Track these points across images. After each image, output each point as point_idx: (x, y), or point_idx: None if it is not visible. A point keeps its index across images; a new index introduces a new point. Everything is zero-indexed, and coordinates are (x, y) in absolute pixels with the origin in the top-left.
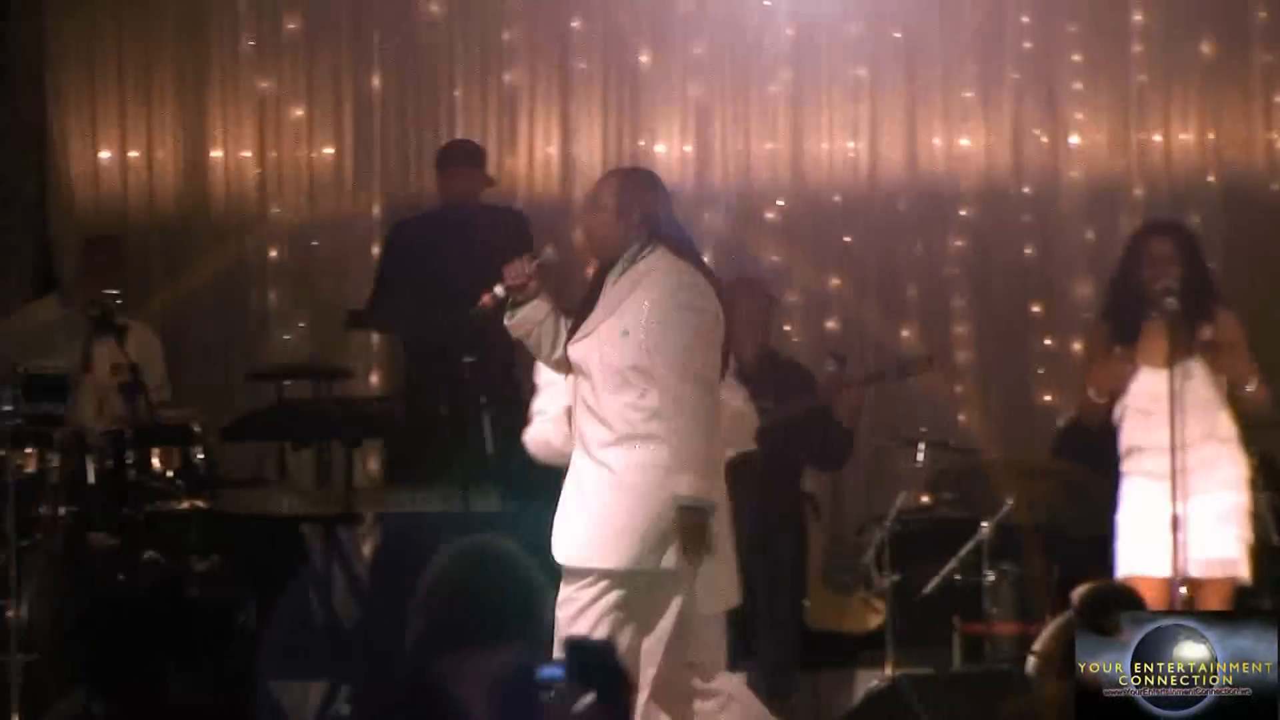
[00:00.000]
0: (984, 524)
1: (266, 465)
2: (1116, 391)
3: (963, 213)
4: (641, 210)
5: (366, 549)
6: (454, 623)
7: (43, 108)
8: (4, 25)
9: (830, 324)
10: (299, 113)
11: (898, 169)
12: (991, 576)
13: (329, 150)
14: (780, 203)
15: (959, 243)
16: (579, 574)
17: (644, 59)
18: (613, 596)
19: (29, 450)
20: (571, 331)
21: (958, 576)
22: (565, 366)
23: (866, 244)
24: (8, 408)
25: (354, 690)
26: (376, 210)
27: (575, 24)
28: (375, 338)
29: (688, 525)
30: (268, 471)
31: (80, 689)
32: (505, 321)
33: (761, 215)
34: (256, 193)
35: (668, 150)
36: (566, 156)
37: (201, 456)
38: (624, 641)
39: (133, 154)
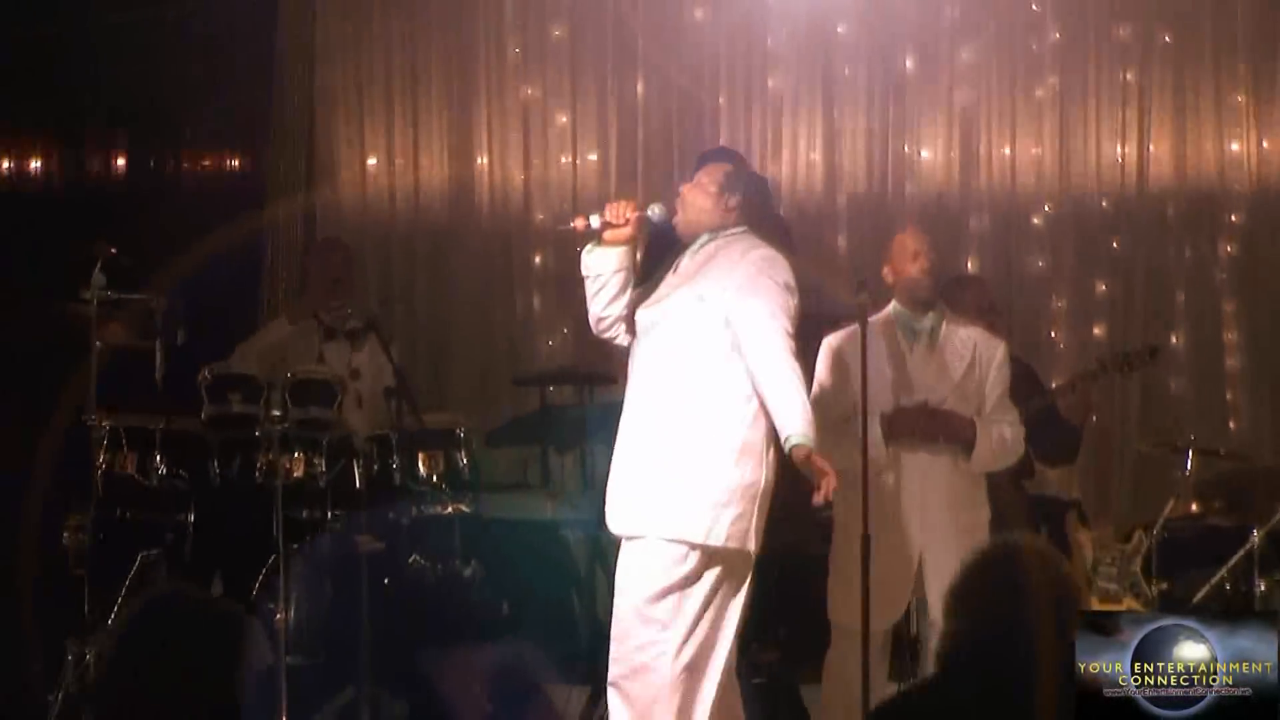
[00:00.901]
0: (1255, 532)
1: (530, 470)
2: None
3: (1233, 218)
4: (742, 196)
5: None
6: None
7: (310, 116)
8: (273, 36)
9: (1097, 330)
10: (563, 119)
11: (1166, 173)
12: (1263, 586)
13: (593, 156)
14: (1046, 208)
15: (1229, 248)
16: (659, 547)
17: (909, 64)
18: (714, 572)
19: (297, 455)
20: (640, 299)
21: (1227, 585)
22: (605, 326)
23: (1134, 249)
24: (276, 413)
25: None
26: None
27: (840, 29)
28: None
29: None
30: (531, 476)
31: (347, 690)
32: (584, 254)
33: (1028, 220)
34: (521, 199)
35: (932, 156)
36: (830, 163)
37: (466, 461)
38: (712, 617)
39: (399, 161)
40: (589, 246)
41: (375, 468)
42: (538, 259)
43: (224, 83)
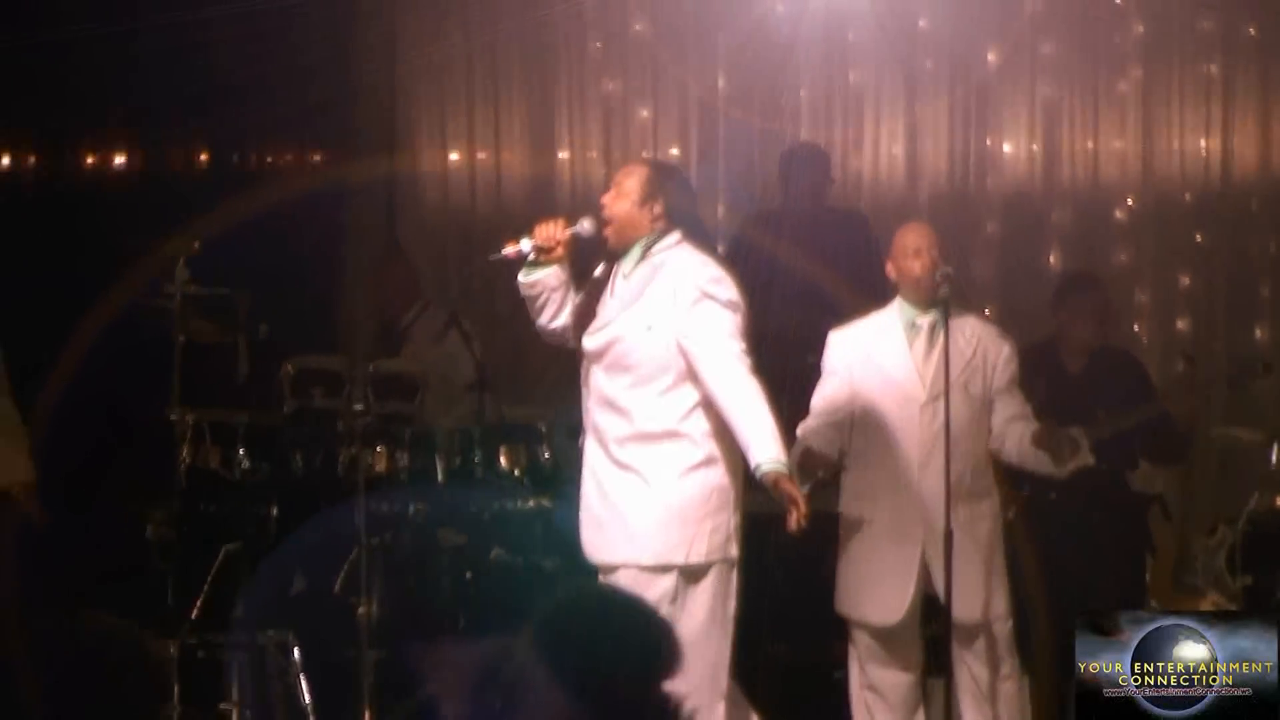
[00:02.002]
0: None
1: None
2: None
3: None
4: (665, 200)
5: None
6: None
7: (391, 111)
8: (354, 30)
9: (1180, 324)
10: (644, 113)
11: (1250, 167)
12: None
13: (674, 150)
14: (1129, 201)
15: None
16: (643, 576)
17: (991, 58)
18: (704, 586)
19: (379, 449)
20: (580, 318)
21: None
22: (555, 336)
23: (1217, 243)
24: (359, 407)
25: None
26: (720, 210)
27: (922, 23)
28: None
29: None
30: None
31: (429, 684)
32: (520, 278)
33: (1110, 214)
34: (602, 193)
35: (1014, 150)
36: (911, 157)
37: (548, 455)
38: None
39: (480, 155)
40: (524, 270)
41: (457, 461)
42: None
43: (305, 78)
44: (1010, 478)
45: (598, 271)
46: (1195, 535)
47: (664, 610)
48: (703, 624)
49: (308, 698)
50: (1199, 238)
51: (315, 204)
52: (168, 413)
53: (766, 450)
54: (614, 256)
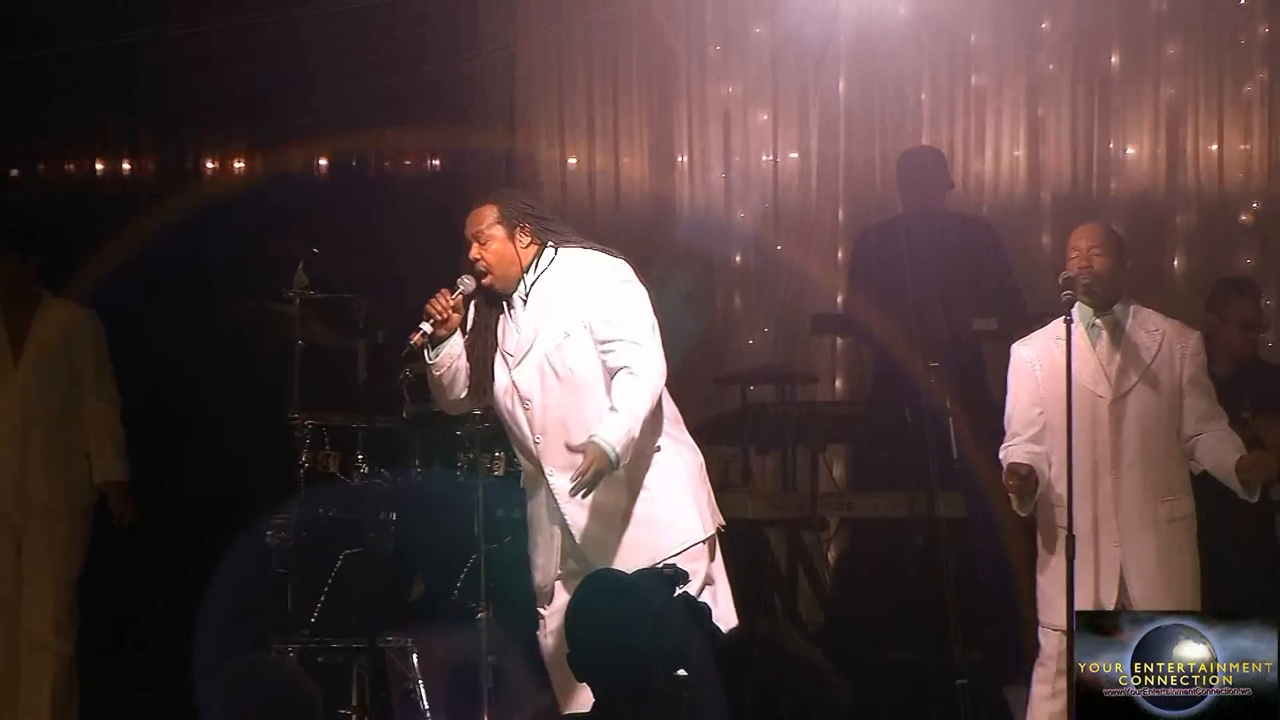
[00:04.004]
0: None
1: (731, 469)
2: None
3: None
4: (527, 222)
5: (831, 554)
6: None
7: (511, 116)
8: (474, 35)
9: None
10: (764, 117)
11: None
12: None
13: (794, 155)
14: (1255, 205)
15: None
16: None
17: (1114, 60)
18: (716, 554)
19: (498, 454)
20: (481, 367)
21: None
22: (462, 405)
23: None
24: (477, 412)
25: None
26: (841, 214)
27: (1044, 25)
28: (840, 343)
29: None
30: (733, 476)
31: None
32: (429, 360)
33: (1235, 218)
34: (722, 197)
35: (1138, 152)
36: (1033, 160)
37: None
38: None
39: (599, 160)
40: (429, 352)
41: None
42: (738, 257)
43: (424, 84)
44: None
45: (470, 321)
46: None
47: (697, 589)
48: (720, 588)
49: (426, 703)
50: None
51: (435, 211)
52: (287, 417)
53: (606, 427)
54: (493, 300)
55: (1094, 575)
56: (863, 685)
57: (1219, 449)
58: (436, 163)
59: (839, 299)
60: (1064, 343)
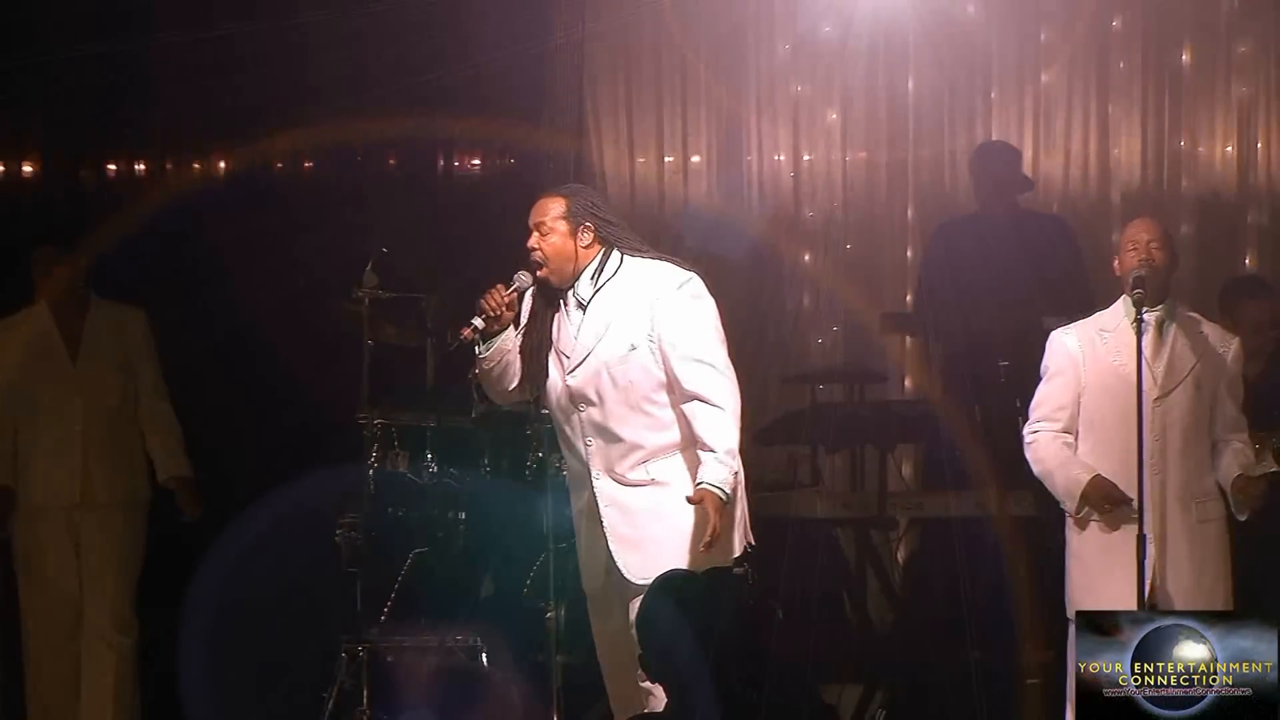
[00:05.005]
0: None
1: (800, 468)
2: None
3: None
4: (592, 222)
5: (901, 553)
6: None
7: (579, 114)
8: (544, 33)
9: None
10: (833, 116)
11: None
12: None
13: (862, 153)
14: None
15: None
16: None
17: (1185, 57)
18: None
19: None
20: (534, 364)
21: None
22: (513, 398)
23: None
24: (545, 411)
25: (887, 694)
26: (910, 213)
27: (1115, 23)
28: (909, 341)
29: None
30: (802, 475)
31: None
32: (480, 354)
33: None
34: (791, 196)
35: (1209, 150)
36: (1104, 158)
37: None
38: None
39: (668, 159)
40: (481, 347)
41: None
42: (807, 256)
43: (493, 82)
44: None
45: (525, 313)
46: None
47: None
48: None
49: None
50: None
51: (504, 210)
52: (357, 417)
53: (713, 472)
54: (549, 296)
55: (1130, 571)
56: (933, 686)
57: (1229, 462)
58: (506, 161)
59: (908, 297)
60: (1109, 335)
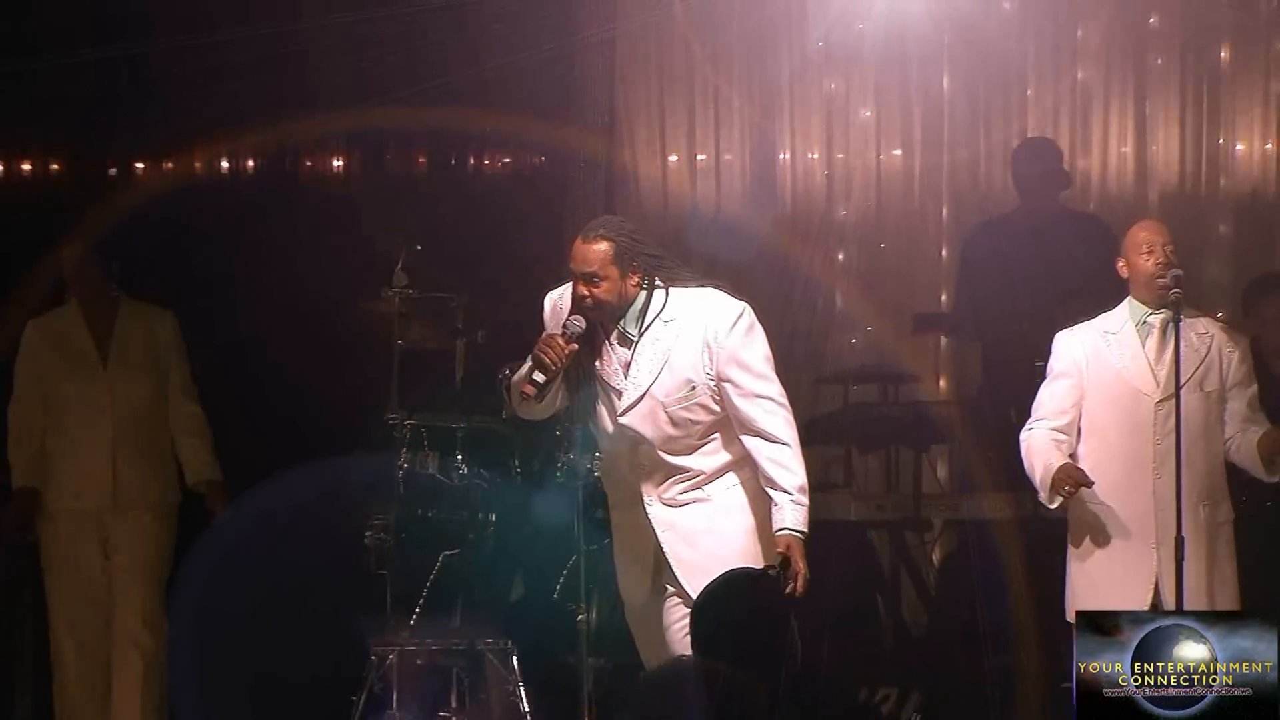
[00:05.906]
0: None
1: (833, 469)
2: None
3: None
4: (640, 261)
5: (936, 555)
6: None
7: (611, 112)
8: (574, 32)
9: None
10: (867, 114)
11: None
12: None
13: (896, 152)
14: None
15: None
16: None
17: (1224, 55)
18: None
19: (597, 455)
20: (572, 392)
21: None
22: (542, 415)
23: None
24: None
25: (922, 696)
26: (944, 212)
27: (1152, 21)
28: (944, 341)
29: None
30: (835, 476)
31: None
32: (536, 400)
33: None
34: (824, 195)
35: (1247, 149)
36: (1141, 157)
37: None
38: None
39: (700, 157)
40: (538, 394)
41: None
42: (841, 255)
43: (523, 80)
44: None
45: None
46: None
47: None
48: None
49: (527, 705)
50: None
51: (534, 209)
52: (387, 417)
53: (792, 517)
54: (604, 334)
55: (1132, 575)
56: (967, 688)
57: (1248, 439)
58: (536, 160)
59: (942, 297)
60: (1113, 337)
